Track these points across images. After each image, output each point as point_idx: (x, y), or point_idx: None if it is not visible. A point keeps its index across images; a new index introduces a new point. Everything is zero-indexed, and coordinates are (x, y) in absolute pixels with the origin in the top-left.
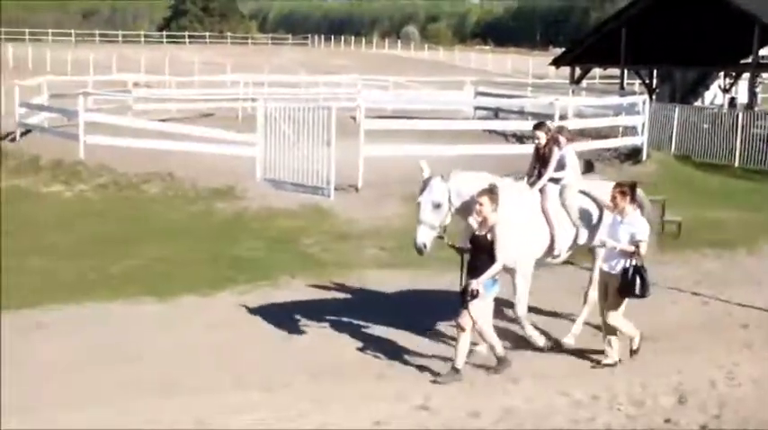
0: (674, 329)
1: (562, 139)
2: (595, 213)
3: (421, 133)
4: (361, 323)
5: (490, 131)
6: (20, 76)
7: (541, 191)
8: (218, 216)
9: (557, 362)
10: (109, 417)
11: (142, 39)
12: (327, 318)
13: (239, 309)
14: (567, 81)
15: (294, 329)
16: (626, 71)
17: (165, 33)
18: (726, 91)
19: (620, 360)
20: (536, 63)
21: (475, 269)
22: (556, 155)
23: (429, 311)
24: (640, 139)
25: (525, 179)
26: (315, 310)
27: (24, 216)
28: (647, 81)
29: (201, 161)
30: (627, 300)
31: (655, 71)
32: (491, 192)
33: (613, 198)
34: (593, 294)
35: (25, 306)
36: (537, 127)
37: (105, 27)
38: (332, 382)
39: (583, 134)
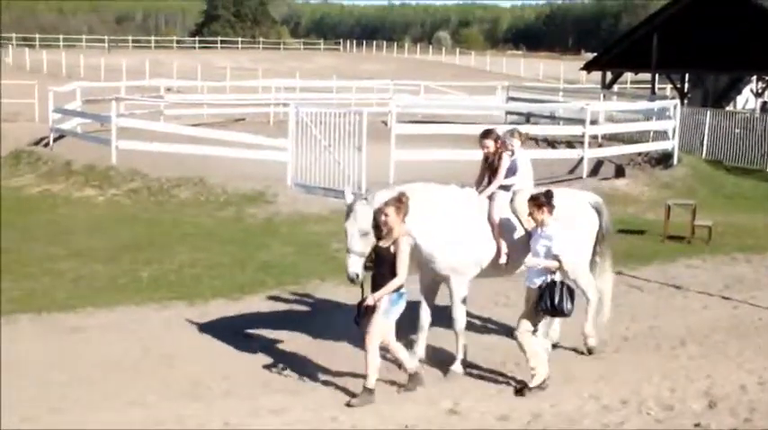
0: (703, 333)
1: (516, 143)
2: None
3: (452, 137)
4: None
5: None
6: (54, 81)
7: (490, 198)
8: (249, 221)
9: (585, 367)
10: (139, 418)
11: (174, 44)
12: (355, 321)
13: (269, 313)
14: (599, 86)
15: (324, 333)
16: (657, 76)
17: (197, 39)
18: (758, 95)
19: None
20: (568, 68)
21: (377, 284)
22: (506, 161)
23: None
24: (671, 144)
25: (474, 187)
26: (343, 314)
27: (57, 221)
28: (679, 86)
29: (233, 166)
30: (548, 318)
31: (686, 76)
32: (398, 201)
33: (531, 213)
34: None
35: (60, 310)
36: (484, 135)
37: (138, 33)
38: (362, 386)
39: (614, 139)
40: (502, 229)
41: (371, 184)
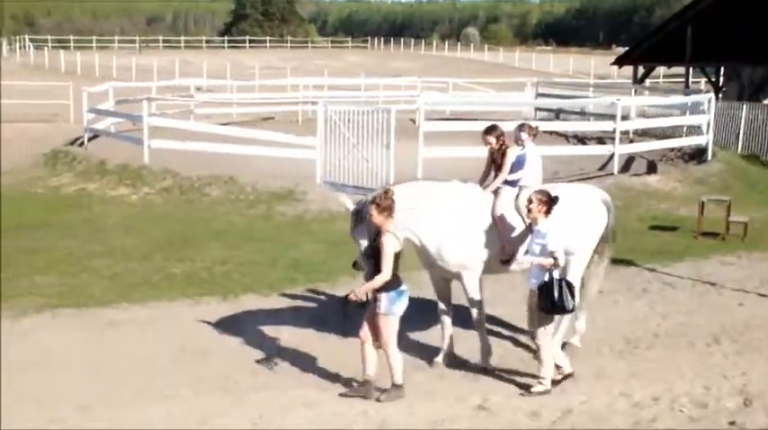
0: (738, 330)
1: (524, 136)
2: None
3: (480, 134)
4: (418, 323)
5: (551, 132)
6: (88, 82)
7: (495, 193)
8: (279, 218)
9: (616, 363)
10: (170, 413)
11: (204, 44)
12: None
13: (299, 310)
14: (630, 80)
15: (353, 329)
16: (691, 69)
17: (226, 38)
18: None
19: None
20: (598, 63)
21: (365, 280)
22: (510, 156)
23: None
24: (705, 139)
25: (477, 183)
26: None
27: (93, 219)
28: (714, 79)
29: (262, 164)
30: (556, 318)
31: (721, 69)
32: (379, 198)
33: (530, 202)
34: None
35: (97, 305)
36: (487, 131)
37: (168, 33)
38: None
39: (646, 134)
40: (504, 225)
41: (399, 182)
